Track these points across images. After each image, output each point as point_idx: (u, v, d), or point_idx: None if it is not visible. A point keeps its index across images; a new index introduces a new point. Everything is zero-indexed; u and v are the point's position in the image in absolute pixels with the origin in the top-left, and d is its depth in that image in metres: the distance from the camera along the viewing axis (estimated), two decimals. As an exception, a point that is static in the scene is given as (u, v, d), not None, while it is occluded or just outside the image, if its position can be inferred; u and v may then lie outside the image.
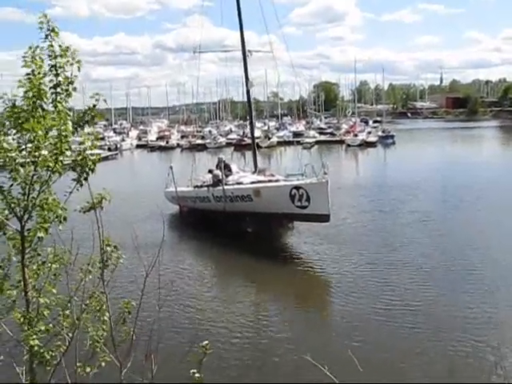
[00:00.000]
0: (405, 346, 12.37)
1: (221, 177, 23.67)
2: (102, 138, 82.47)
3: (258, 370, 11.63)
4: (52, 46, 4.85)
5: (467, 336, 12.42)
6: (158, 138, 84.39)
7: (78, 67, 4.99)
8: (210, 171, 25.58)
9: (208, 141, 75.49)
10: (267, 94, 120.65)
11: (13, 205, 4.94)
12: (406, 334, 12.88)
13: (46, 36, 4.85)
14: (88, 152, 5.15)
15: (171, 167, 26.43)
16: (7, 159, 4.84)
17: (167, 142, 79.20)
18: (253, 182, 23.32)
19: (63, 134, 4.88)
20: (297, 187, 20.51)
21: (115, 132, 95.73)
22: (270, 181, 23.30)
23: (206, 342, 4.88)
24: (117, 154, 70.98)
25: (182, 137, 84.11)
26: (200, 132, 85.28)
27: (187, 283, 17.16)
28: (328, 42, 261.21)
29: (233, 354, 12.17)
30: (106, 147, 72.96)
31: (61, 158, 4.92)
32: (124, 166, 63.13)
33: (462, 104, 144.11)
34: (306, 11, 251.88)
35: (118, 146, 76.38)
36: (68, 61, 4.89)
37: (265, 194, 21.71)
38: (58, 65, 4.88)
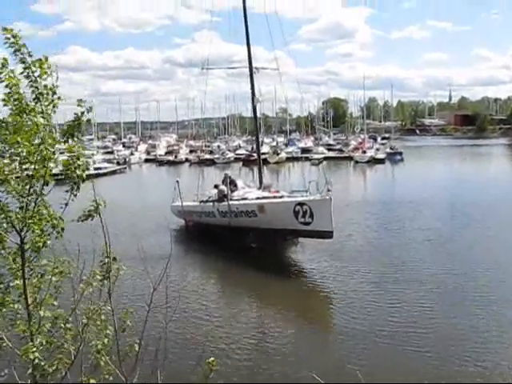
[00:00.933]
0: (411, 366, 12.19)
1: (226, 192, 24.03)
2: (111, 152, 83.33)
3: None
4: (24, 60, 4.85)
5: (476, 359, 12.22)
6: (166, 153, 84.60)
7: (57, 77, 5.00)
8: (216, 186, 25.74)
9: (217, 156, 75.65)
10: (276, 110, 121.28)
11: (11, 218, 4.93)
12: (413, 354, 12.69)
13: (15, 51, 4.84)
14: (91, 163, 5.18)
15: (177, 182, 26.72)
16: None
17: (176, 157, 79.38)
18: (257, 198, 23.51)
19: (47, 140, 4.87)
20: (300, 204, 20.62)
21: (124, 146, 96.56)
22: (274, 197, 23.50)
23: (212, 358, 4.87)
24: (125, 167, 71.41)
25: (191, 151, 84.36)
26: (209, 147, 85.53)
27: (193, 298, 17.07)
28: (337, 58, 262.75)
29: (238, 371, 12.10)
30: (115, 161, 73.56)
31: (51, 165, 4.90)
32: (132, 180, 63.29)
33: (471, 121, 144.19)
34: (315, 27, 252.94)
35: (127, 159, 76.87)
36: (45, 72, 4.89)
37: (269, 209, 21.92)
38: (34, 75, 4.88)
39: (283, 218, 20.97)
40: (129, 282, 15.76)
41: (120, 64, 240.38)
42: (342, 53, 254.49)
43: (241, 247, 21.84)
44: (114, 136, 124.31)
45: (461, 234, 25.30)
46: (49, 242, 5.11)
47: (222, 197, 24.14)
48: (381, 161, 68.69)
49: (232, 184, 25.25)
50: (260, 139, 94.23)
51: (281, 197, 23.33)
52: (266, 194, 24.39)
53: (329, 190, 19.80)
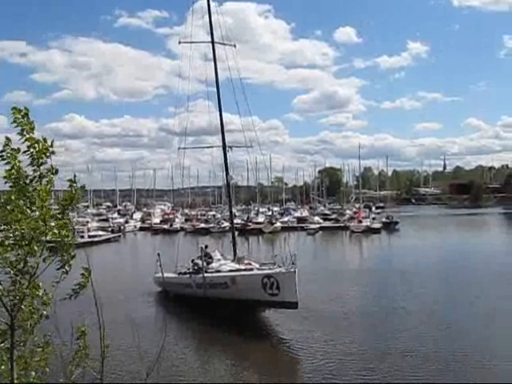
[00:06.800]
0: None
1: (201, 265, 25.59)
2: (106, 220, 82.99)
3: None
4: (33, 140, 4.72)
5: None
6: (161, 221, 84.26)
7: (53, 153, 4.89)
8: (193, 260, 27.41)
9: (212, 225, 75.36)
10: (271, 179, 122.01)
11: (3, 297, 4.67)
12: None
13: (22, 131, 4.72)
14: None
15: (158, 254, 28.39)
16: None
17: (171, 225, 78.55)
18: (230, 271, 25.20)
19: (45, 215, 4.68)
20: (268, 276, 22.05)
21: (119, 214, 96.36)
22: (245, 269, 25.08)
23: None
24: (120, 236, 70.82)
25: (186, 220, 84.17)
26: (204, 216, 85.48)
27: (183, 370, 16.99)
28: (330, 128, 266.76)
29: None
30: (110, 229, 73.08)
31: (43, 238, 4.70)
32: (126, 249, 62.89)
33: (466, 190, 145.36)
34: (309, 98, 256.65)
35: (122, 228, 76.51)
36: (46, 153, 4.76)
37: (240, 281, 23.45)
38: (36, 157, 4.76)
39: (253, 289, 22.30)
40: (120, 358, 15.78)
41: (116, 132, 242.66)
42: (335, 122, 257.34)
43: (217, 316, 22.53)
44: (109, 203, 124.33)
45: (449, 306, 25.10)
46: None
47: (198, 269, 25.67)
48: (377, 230, 68.32)
49: (207, 256, 26.97)
50: (256, 208, 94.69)
51: (251, 269, 24.76)
52: (238, 266, 25.96)
53: (293, 263, 21.13)
